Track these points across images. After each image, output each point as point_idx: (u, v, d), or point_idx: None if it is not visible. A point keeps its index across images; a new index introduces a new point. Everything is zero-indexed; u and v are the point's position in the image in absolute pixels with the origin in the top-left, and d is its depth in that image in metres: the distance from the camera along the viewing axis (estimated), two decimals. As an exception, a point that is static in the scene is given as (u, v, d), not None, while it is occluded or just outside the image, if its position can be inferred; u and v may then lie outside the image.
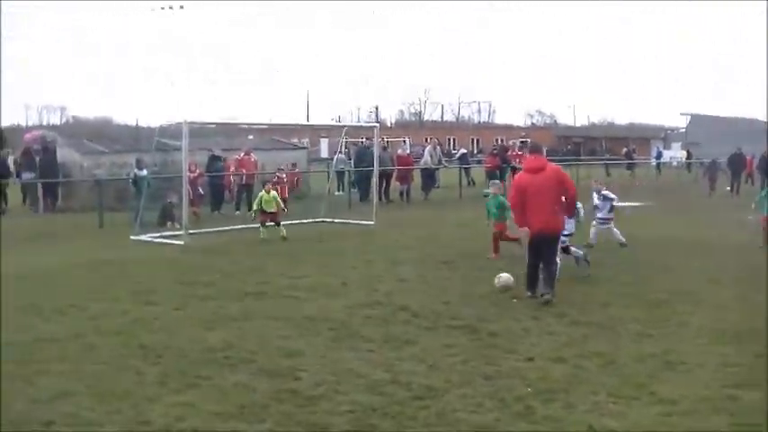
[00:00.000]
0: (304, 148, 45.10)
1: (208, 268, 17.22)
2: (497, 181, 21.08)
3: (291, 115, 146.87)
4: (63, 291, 14.80)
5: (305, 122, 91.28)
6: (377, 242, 21.59)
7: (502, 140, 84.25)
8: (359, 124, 64.88)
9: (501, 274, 14.41)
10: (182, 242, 21.10)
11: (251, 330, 11.69)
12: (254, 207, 23.28)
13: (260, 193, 23.00)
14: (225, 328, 11.77)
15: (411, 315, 12.69)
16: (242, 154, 32.14)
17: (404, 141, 61.41)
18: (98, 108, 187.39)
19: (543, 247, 13.63)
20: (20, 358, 10.23)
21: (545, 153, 14.01)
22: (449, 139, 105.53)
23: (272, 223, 22.44)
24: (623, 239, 19.90)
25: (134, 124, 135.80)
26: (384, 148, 34.76)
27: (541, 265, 13.57)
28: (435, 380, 9.35)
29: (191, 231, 21.71)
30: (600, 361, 10.17)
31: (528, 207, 13.50)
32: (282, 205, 23.56)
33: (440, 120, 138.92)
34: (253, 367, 9.88)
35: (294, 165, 36.35)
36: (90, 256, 19.24)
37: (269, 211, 22.55)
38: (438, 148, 41.64)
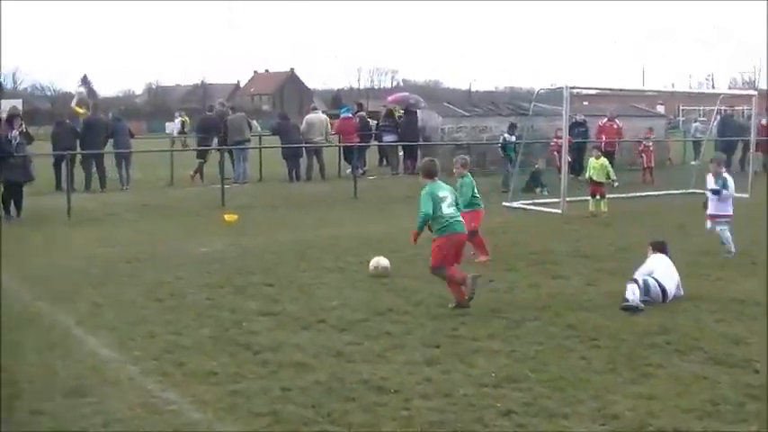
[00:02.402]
0: (663, 116, 43.17)
1: (597, 239, 16.37)
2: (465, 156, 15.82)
3: (626, 82, 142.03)
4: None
5: (679, 89, 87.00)
6: (762, 217, 19.87)
7: None
8: (735, 92, 61.30)
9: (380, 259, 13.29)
10: (559, 210, 20.31)
11: (681, 312, 10.67)
12: (586, 174, 21.28)
13: (590, 160, 21.27)
14: (651, 309, 10.76)
15: None
16: (604, 120, 30.87)
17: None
18: (426, 71, 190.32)
19: None
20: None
21: None
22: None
23: (598, 196, 20.43)
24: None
25: (466, 88, 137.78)
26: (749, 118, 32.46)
27: None
28: None
29: (568, 199, 20.82)
30: None
31: None
32: (613, 176, 21.18)
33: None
34: (701, 355, 8.91)
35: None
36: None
37: (597, 180, 20.52)
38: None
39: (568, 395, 7.65)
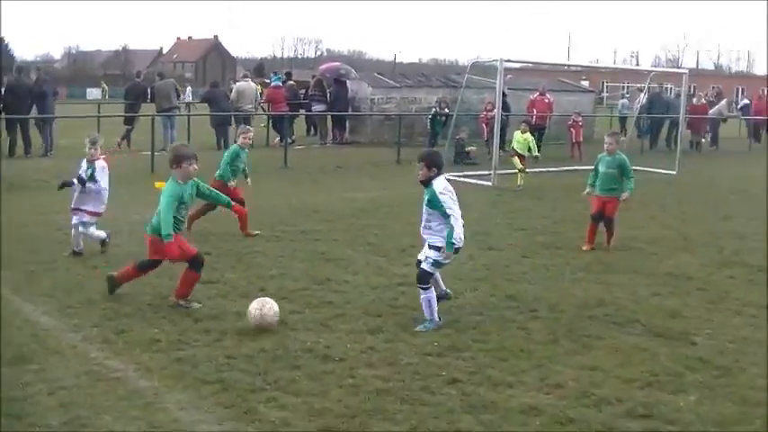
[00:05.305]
0: (591, 91, 43.50)
1: (529, 212, 16.52)
2: None
3: (551, 56, 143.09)
4: (398, 228, 14.38)
5: (628, 66, 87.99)
6: (690, 193, 20.37)
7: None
8: (664, 70, 62.29)
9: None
10: (490, 183, 20.45)
11: (617, 285, 10.86)
12: (511, 146, 21.57)
13: (515, 133, 21.49)
14: (587, 282, 11.00)
15: (778, 277, 11.54)
16: (536, 94, 31.03)
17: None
18: (350, 42, 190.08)
19: None
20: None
21: None
22: (711, 88, 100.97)
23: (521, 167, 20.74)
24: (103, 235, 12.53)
25: (390, 59, 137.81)
26: (678, 96, 33.16)
27: None
28: None
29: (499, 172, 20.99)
30: None
31: None
32: (536, 152, 21.56)
33: (695, 67, 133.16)
34: (639, 328, 9.08)
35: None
36: (404, 191, 18.84)
37: (520, 153, 20.84)
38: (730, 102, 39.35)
39: (512, 365, 7.74)
